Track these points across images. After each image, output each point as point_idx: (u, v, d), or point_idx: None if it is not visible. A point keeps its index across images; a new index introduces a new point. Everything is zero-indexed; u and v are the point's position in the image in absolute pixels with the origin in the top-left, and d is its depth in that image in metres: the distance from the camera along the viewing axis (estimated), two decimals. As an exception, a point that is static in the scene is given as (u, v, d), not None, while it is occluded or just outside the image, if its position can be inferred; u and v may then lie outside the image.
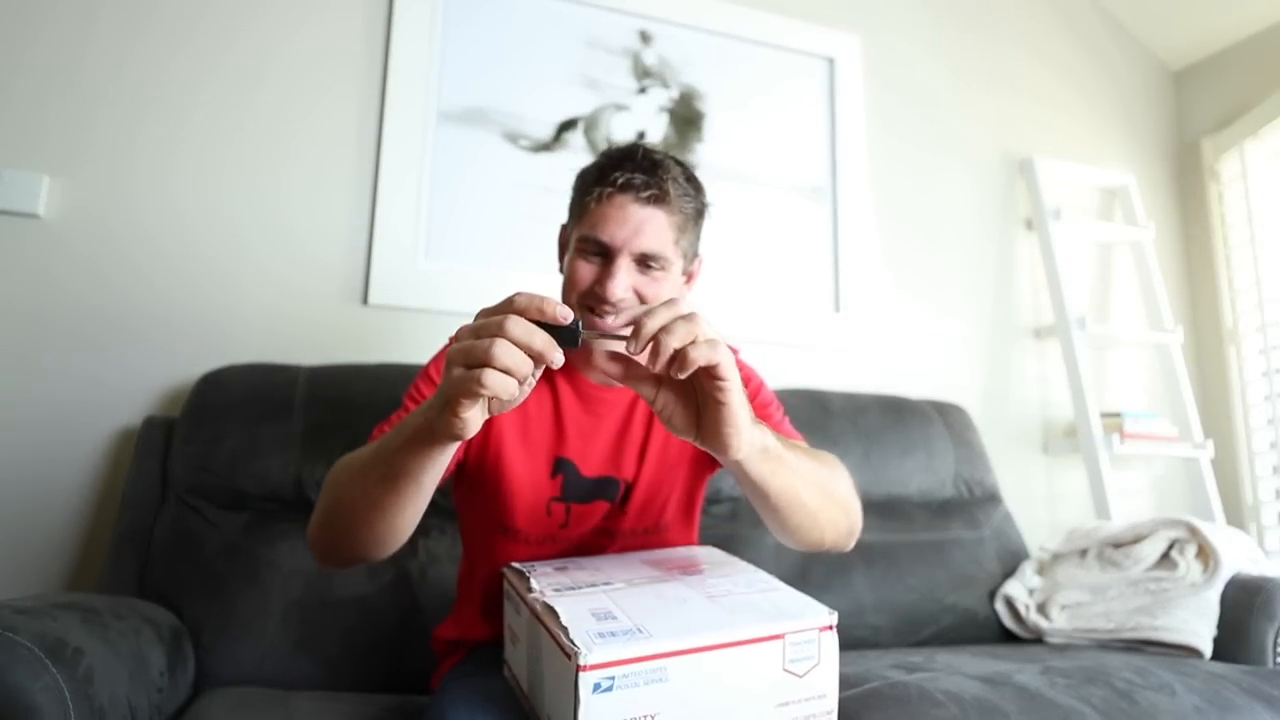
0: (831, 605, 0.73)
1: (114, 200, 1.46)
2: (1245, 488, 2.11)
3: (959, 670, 1.04)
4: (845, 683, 0.96)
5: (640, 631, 0.65)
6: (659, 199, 0.83)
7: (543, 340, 0.56)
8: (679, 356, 0.59)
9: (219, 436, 1.26)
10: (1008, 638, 1.49)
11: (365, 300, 1.56)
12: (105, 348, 1.42)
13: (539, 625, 0.70)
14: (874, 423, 1.63)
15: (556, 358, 0.57)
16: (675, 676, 0.64)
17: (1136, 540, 1.43)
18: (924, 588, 1.50)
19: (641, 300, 0.85)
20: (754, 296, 1.84)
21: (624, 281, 0.83)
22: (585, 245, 0.85)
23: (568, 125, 1.75)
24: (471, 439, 0.88)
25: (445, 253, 1.63)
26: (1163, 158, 2.38)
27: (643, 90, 1.83)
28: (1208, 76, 2.34)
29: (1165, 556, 1.40)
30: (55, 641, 0.79)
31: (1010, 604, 1.49)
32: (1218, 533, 1.39)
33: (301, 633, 1.17)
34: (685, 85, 1.87)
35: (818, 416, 1.60)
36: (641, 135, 1.81)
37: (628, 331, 0.60)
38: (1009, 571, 1.57)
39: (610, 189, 0.83)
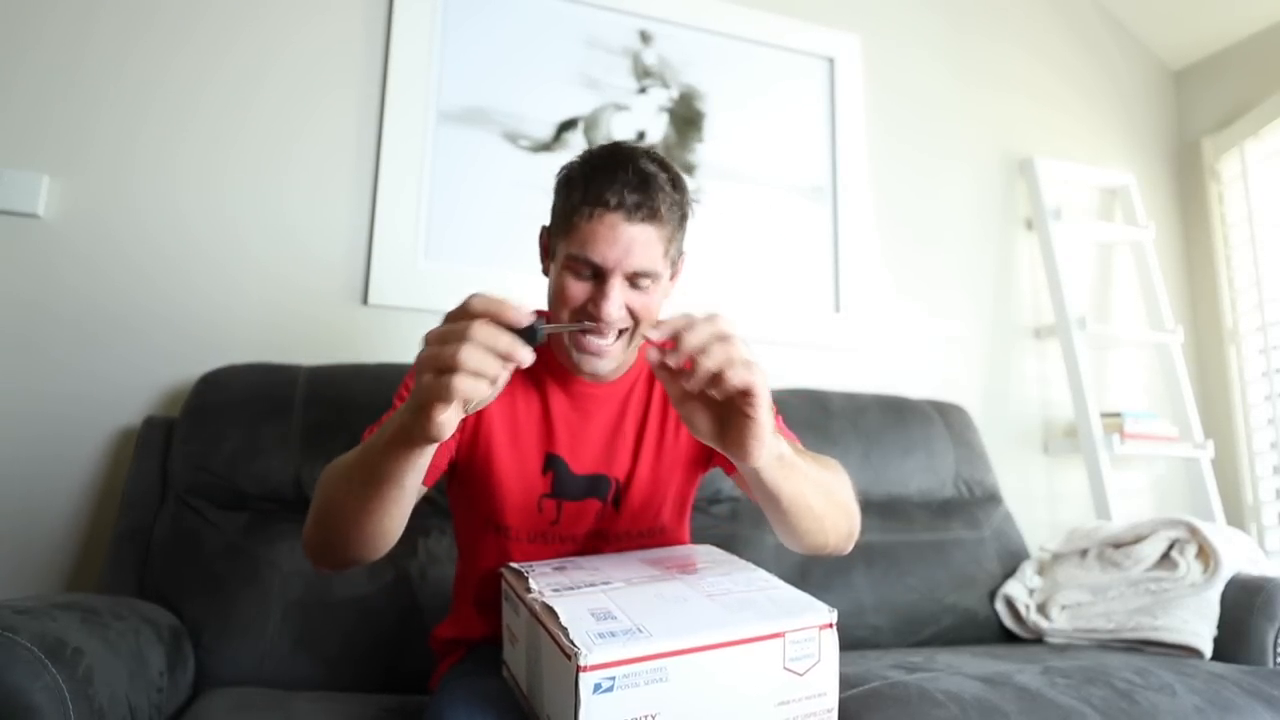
0: (832, 605, 0.73)
1: (114, 200, 1.46)
2: (1245, 488, 2.11)
3: (959, 670, 1.04)
4: (846, 683, 0.96)
5: (640, 631, 0.65)
6: (650, 216, 0.81)
7: (507, 342, 0.58)
8: (716, 379, 0.61)
9: (219, 436, 1.26)
10: (1008, 638, 1.49)
11: (365, 300, 1.56)
12: (105, 347, 1.42)
13: (538, 625, 0.70)
14: (874, 423, 1.63)
15: (524, 356, 0.59)
16: (675, 676, 0.64)
17: (1137, 540, 1.43)
18: (924, 588, 1.50)
19: (632, 314, 0.84)
20: (754, 296, 1.84)
21: (618, 301, 0.82)
22: (576, 264, 0.83)
23: (568, 125, 1.75)
24: (462, 437, 0.91)
25: (445, 253, 1.62)
26: (1163, 158, 2.38)
27: (643, 90, 1.83)
28: (1208, 76, 2.34)
29: (1165, 557, 1.39)
30: (55, 641, 0.79)
31: (1010, 604, 1.49)
32: (1218, 533, 1.39)
33: (301, 633, 1.17)
34: (685, 85, 1.87)
35: (818, 416, 1.60)
36: (641, 135, 1.81)
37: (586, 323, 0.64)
38: (1009, 572, 1.57)
39: (601, 208, 0.80)
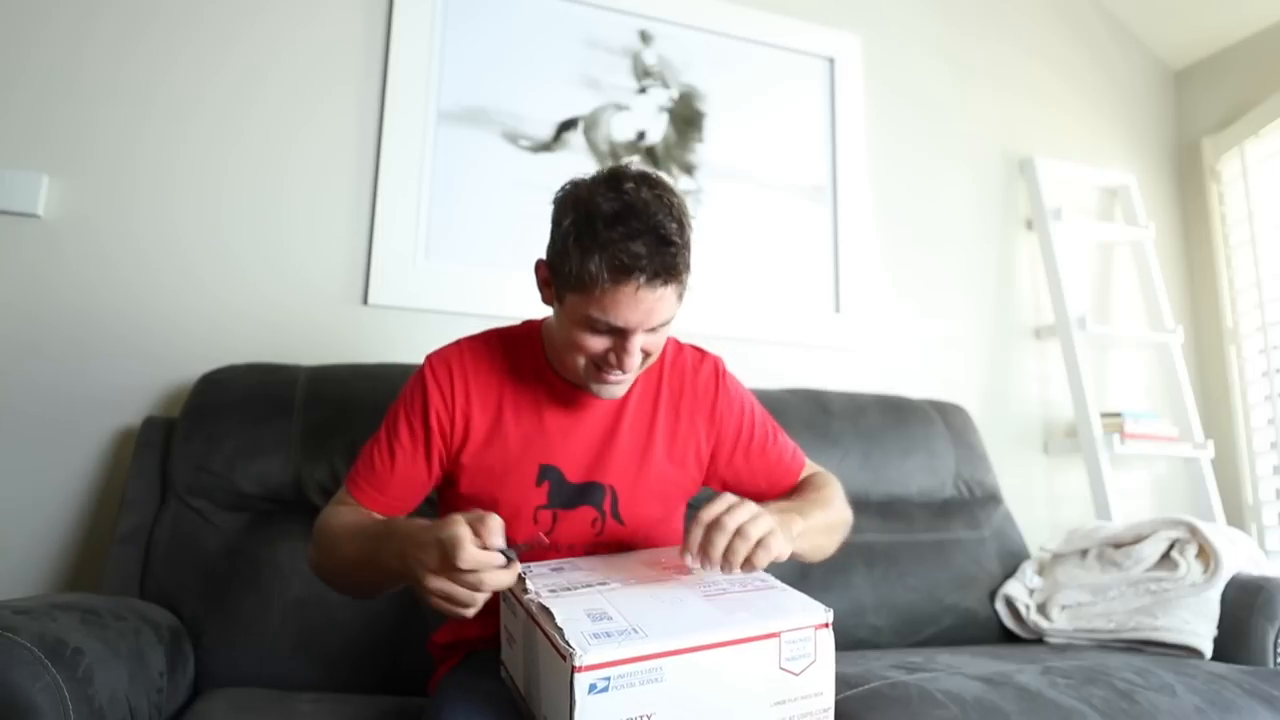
0: (832, 606, 0.73)
1: (114, 200, 1.46)
2: (1246, 488, 2.11)
3: (959, 670, 1.04)
4: (846, 683, 0.96)
5: (636, 631, 0.65)
6: (671, 279, 0.80)
7: (507, 579, 0.71)
8: (745, 564, 0.75)
9: (219, 436, 1.26)
10: (1008, 638, 1.49)
11: (365, 300, 1.56)
12: (105, 347, 1.41)
13: (534, 626, 0.70)
14: (874, 423, 1.63)
15: (506, 580, 0.72)
16: (671, 676, 0.64)
17: (1137, 540, 1.43)
18: (924, 588, 1.49)
19: (645, 351, 0.86)
20: (754, 296, 1.84)
21: (638, 355, 0.84)
22: (596, 324, 0.82)
23: (568, 125, 1.75)
24: (452, 451, 0.94)
25: (445, 253, 1.62)
26: (1163, 158, 2.38)
27: (643, 90, 1.83)
28: (1208, 76, 2.34)
29: (1166, 557, 1.39)
30: (55, 642, 0.79)
31: (1011, 604, 1.49)
32: (1218, 533, 1.39)
33: (301, 633, 1.17)
34: (685, 85, 1.87)
35: (818, 416, 1.60)
36: (641, 135, 1.81)
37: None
38: (1009, 572, 1.57)
39: (623, 280, 0.78)
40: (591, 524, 0.94)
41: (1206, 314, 2.27)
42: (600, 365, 0.85)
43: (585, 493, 0.94)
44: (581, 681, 0.61)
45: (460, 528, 0.69)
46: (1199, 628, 1.28)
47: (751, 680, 0.68)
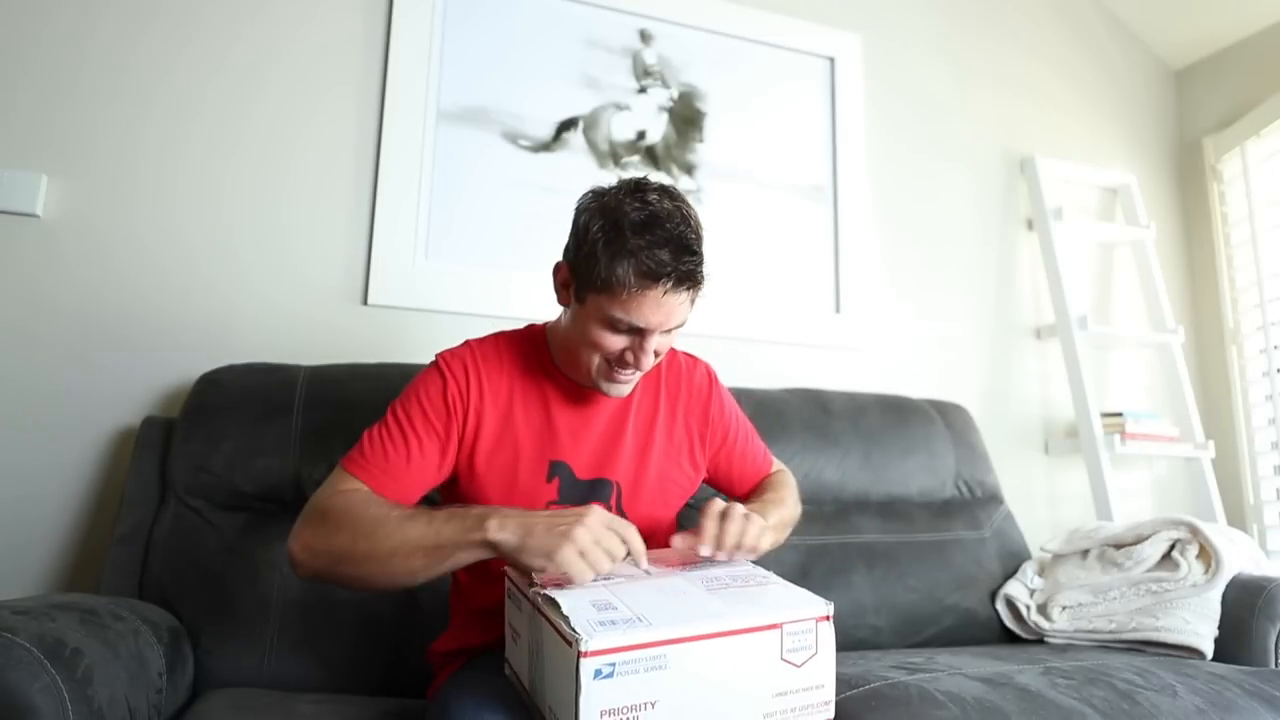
0: (833, 606, 0.74)
1: (114, 200, 1.46)
2: (1246, 488, 2.11)
3: (960, 671, 1.04)
4: (846, 683, 0.96)
5: (641, 620, 0.66)
6: (692, 285, 0.87)
7: (639, 545, 0.80)
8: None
9: (218, 436, 1.26)
10: (1009, 638, 1.49)
11: (365, 300, 1.56)
12: (105, 347, 1.41)
13: (540, 617, 0.71)
14: (875, 423, 1.63)
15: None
16: (675, 664, 0.65)
17: (1138, 541, 1.42)
18: (925, 588, 1.49)
19: (655, 352, 0.91)
20: (754, 296, 1.84)
21: (653, 352, 0.90)
22: (617, 324, 0.87)
23: (568, 125, 1.75)
24: (465, 447, 0.93)
25: (445, 253, 1.62)
26: (1164, 157, 2.37)
27: (643, 90, 1.83)
28: (1209, 75, 2.33)
29: (1166, 557, 1.39)
30: (54, 642, 0.79)
31: (1011, 604, 1.49)
32: (1219, 533, 1.39)
33: (301, 634, 1.17)
34: (685, 85, 1.87)
35: (818, 416, 1.60)
36: (641, 135, 1.81)
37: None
38: (1010, 572, 1.57)
39: (649, 285, 0.84)
40: None
41: (1207, 314, 2.27)
42: (614, 364, 0.90)
43: (594, 489, 0.97)
44: (587, 667, 0.62)
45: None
46: (1200, 628, 1.27)
47: (753, 671, 0.69)
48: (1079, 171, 2.19)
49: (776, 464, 1.18)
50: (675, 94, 1.85)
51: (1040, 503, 2.01)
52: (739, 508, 0.85)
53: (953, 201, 2.09)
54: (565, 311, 0.96)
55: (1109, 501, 1.84)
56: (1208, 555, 1.35)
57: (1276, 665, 1.25)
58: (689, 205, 0.89)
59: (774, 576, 0.81)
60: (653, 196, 0.86)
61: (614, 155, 1.78)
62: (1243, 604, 1.29)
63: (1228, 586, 1.32)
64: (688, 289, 0.86)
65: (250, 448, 1.25)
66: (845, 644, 1.38)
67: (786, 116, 1.95)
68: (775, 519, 0.99)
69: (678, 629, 0.66)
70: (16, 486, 1.34)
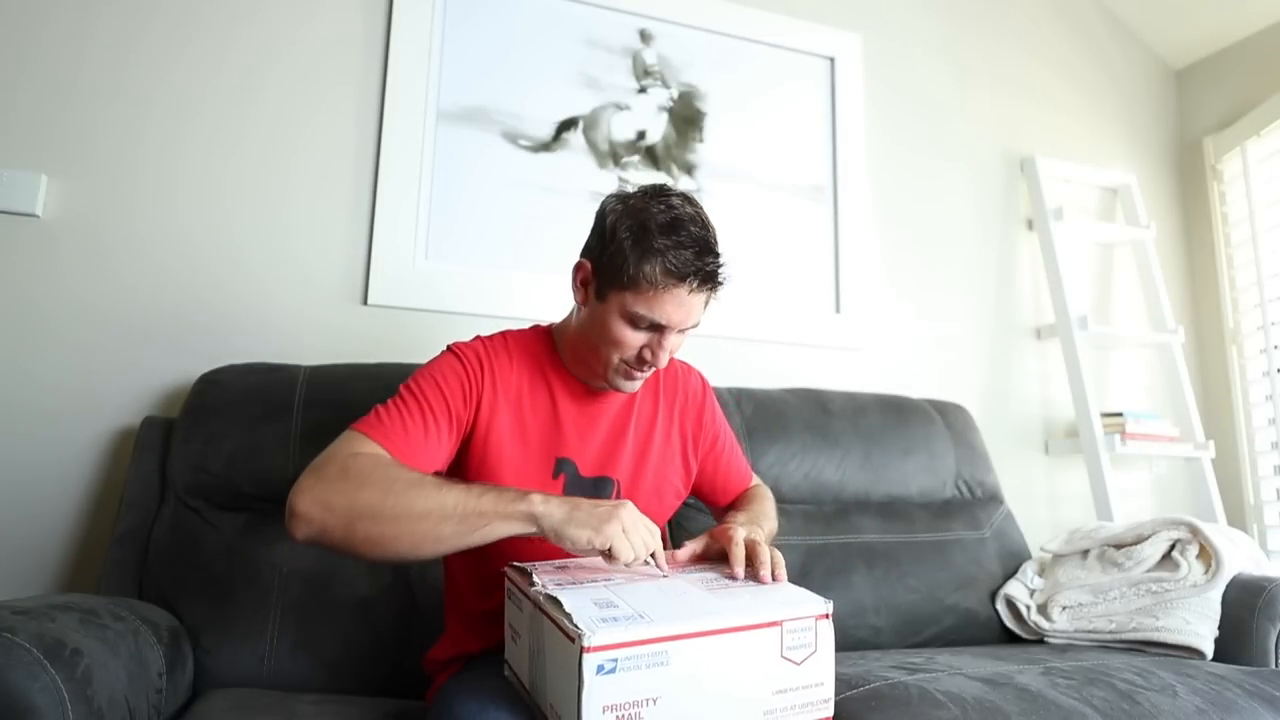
0: (833, 604, 0.74)
1: (113, 200, 1.46)
2: (1247, 488, 2.11)
3: (960, 671, 1.04)
4: (846, 683, 0.96)
5: (642, 617, 0.66)
6: (712, 287, 0.91)
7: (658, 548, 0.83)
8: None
9: (218, 437, 1.25)
10: (1009, 638, 1.49)
11: (365, 300, 1.56)
12: (104, 347, 1.41)
13: (542, 616, 0.71)
14: (875, 423, 1.63)
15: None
16: (676, 660, 0.66)
17: (1138, 541, 1.42)
18: (925, 588, 1.49)
19: (668, 352, 0.94)
20: (754, 296, 1.84)
21: (669, 350, 0.93)
22: (639, 321, 0.90)
23: (568, 125, 1.75)
24: (473, 436, 0.94)
25: (445, 253, 1.62)
26: (1164, 157, 2.37)
27: (643, 90, 1.83)
28: (1210, 75, 2.33)
29: (1167, 557, 1.39)
30: (54, 642, 0.78)
31: (1011, 605, 1.49)
32: (1219, 533, 1.39)
33: (300, 634, 1.16)
34: (685, 84, 1.87)
35: (818, 416, 1.60)
36: (641, 135, 1.81)
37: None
38: (1010, 572, 1.57)
39: (675, 284, 0.88)
40: None
41: (1207, 314, 2.27)
42: (630, 361, 0.93)
43: (598, 486, 0.99)
44: (590, 662, 0.62)
45: None
46: (1200, 628, 1.27)
47: (754, 668, 0.69)
48: (1079, 171, 2.19)
49: (755, 479, 1.21)
50: (675, 94, 1.85)
51: (1040, 503, 2.01)
52: (759, 536, 0.87)
53: (953, 201, 2.09)
54: (578, 310, 0.98)
55: (1109, 501, 1.84)
56: (1208, 555, 1.35)
57: (1277, 665, 1.25)
58: (704, 212, 0.94)
59: None
60: (675, 200, 0.91)
61: (614, 155, 1.78)
62: (1243, 604, 1.29)
63: (1228, 586, 1.32)
64: (709, 289, 0.90)
65: (250, 448, 1.25)
66: (845, 644, 1.38)
67: (786, 116, 1.95)
68: (767, 531, 1.03)
69: (679, 625, 0.66)
70: (16, 486, 1.34)
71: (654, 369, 0.95)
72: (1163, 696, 0.97)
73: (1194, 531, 1.38)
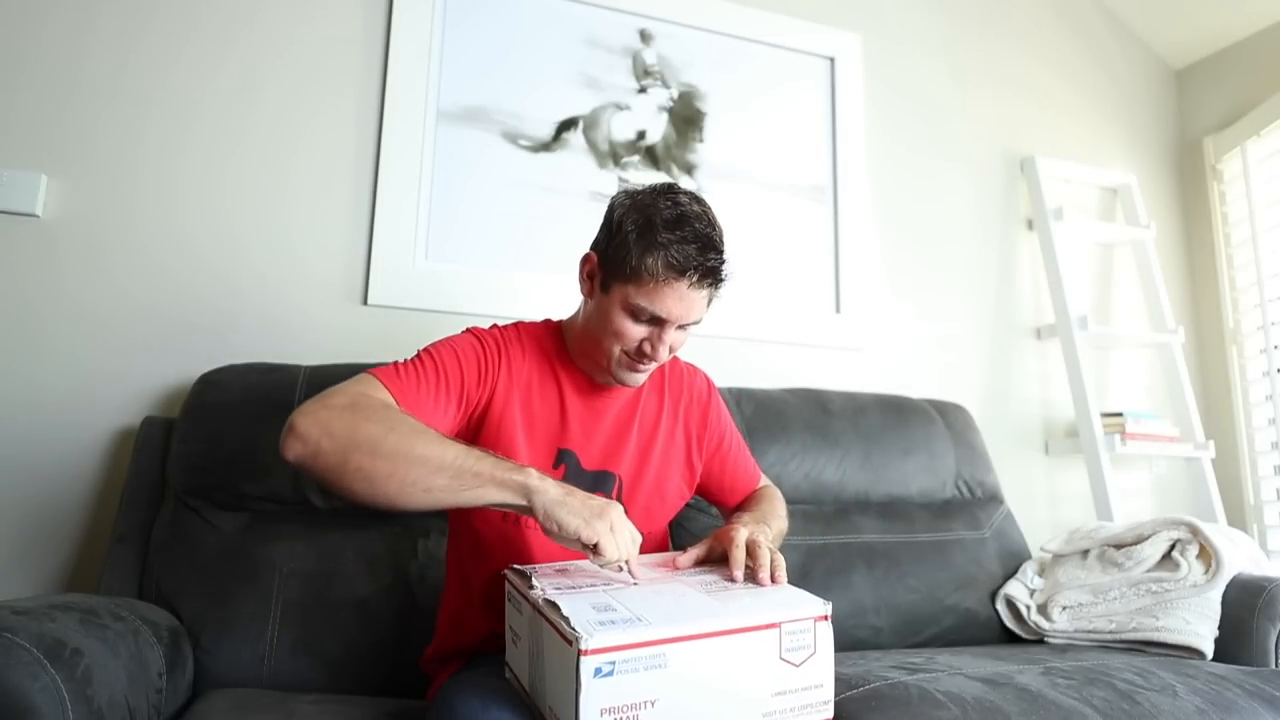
0: (832, 606, 0.74)
1: (113, 200, 1.46)
2: (1247, 488, 2.11)
3: (960, 671, 1.04)
4: (846, 683, 0.96)
5: (640, 620, 0.67)
6: (714, 283, 0.92)
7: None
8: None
9: (218, 437, 1.25)
10: (1009, 638, 1.49)
11: (365, 300, 1.56)
12: (104, 348, 1.41)
13: (541, 619, 0.71)
14: (875, 423, 1.63)
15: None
16: (674, 663, 0.66)
17: (1138, 541, 1.42)
18: (925, 588, 1.49)
19: (670, 347, 0.94)
20: (755, 296, 1.84)
21: (669, 345, 0.94)
22: (640, 313, 0.91)
23: (568, 125, 1.75)
24: (476, 414, 0.95)
25: (445, 253, 1.62)
26: (1164, 157, 2.37)
27: (643, 90, 1.83)
28: (1210, 75, 2.33)
29: (1167, 557, 1.39)
30: (54, 642, 0.78)
31: (1011, 605, 1.49)
32: (1219, 533, 1.39)
33: (300, 634, 1.16)
34: (685, 84, 1.87)
35: (818, 416, 1.59)
36: (641, 135, 1.81)
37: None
38: (1010, 572, 1.57)
39: (676, 278, 0.89)
40: None
41: (1207, 314, 2.27)
42: (631, 354, 0.94)
43: (599, 481, 0.99)
44: (587, 665, 0.62)
45: None
46: (1200, 628, 1.27)
47: (752, 670, 0.69)
48: (1079, 171, 2.19)
49: (764, 479, 1.21)
50: (675, 94, 1.85)
51: (1040, 503, 2.01)
52: (761, 538, 0.87)
53: (953, 201, 2.09)
54: (585, 304, 0.99)
55: (1109, 501, 1.84)
56: (1208, 555, 1.35)
57: (1277, 665, 1.25)
58: (712, 212, 0.95)
59: None
60: (683, 199, 0.92)
61: (614, 155, 1.78)
62: (1243, 604, 1.29)
63: (1228, 586, 1.32)
64: (709, 285, 0.91)
65: (250, 448, 1.25)
66: (845, 644, 1.38)
67: (786, 116, 1.95)
68: (775, 530, 1.03)
69: (676, 628, 0.66)
70: (17, 486, 1.34)
71: (655, 363, 0.95)
72: (1163, 696, 0.97)
73: (1194, 531, 1.38)
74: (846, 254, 1.92)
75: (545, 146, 1.73)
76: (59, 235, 1.42)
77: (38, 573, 1.34)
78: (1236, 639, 1.27)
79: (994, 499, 1.70)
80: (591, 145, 1.76)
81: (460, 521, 1.01)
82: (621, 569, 0.80)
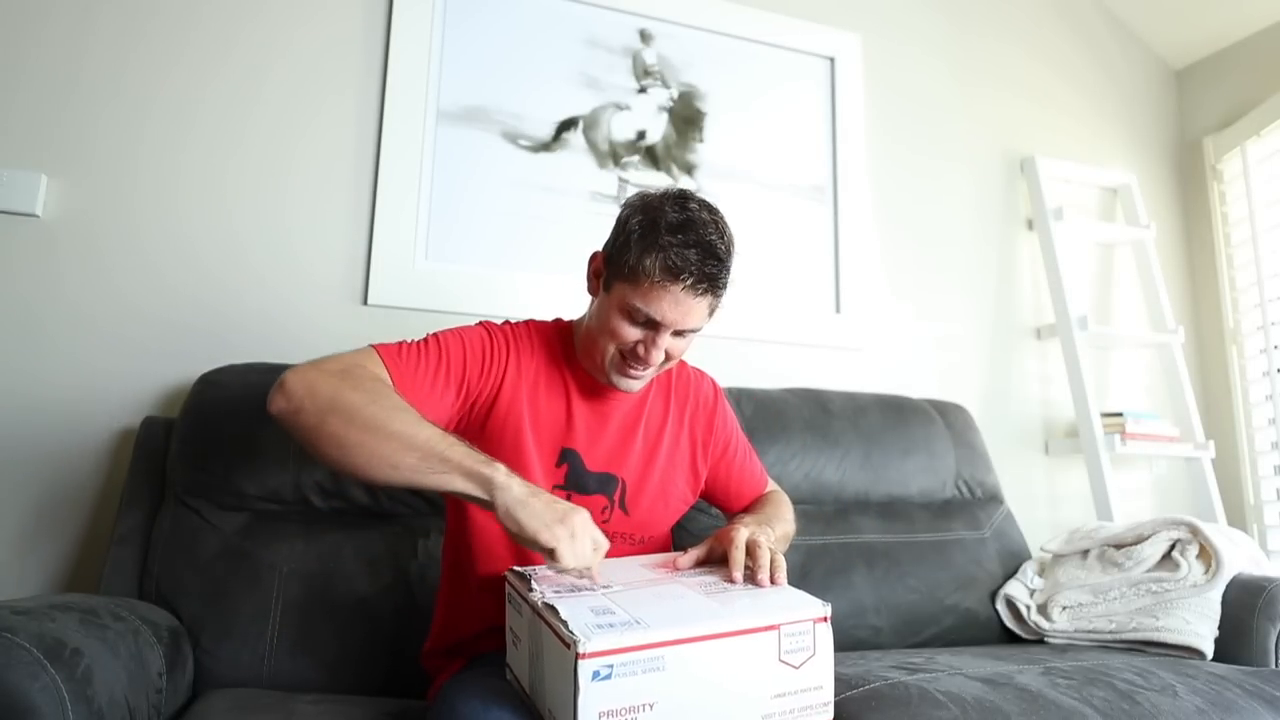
0: (832, 606, 0.74)
1: (113, 200, 1.46)
2: (1247, 488, 2.11)
3: (960, 671, 1.04)
4: (846, 683, 0.96)
5: (638, 623, 0.66)
6: (710, 291, 0.91)
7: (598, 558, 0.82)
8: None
9: (218, 437, 1.25)
10: (1009, 638, 1.49)
11: (365, 300, 1.56)
12: (104, 348, 1.41)
13: (540, 622, 0.71)
14: (875, 423, 1.63)
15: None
16: (672, 665, 0.65)
17: (1138, 541, 1.42)
18: (925, 588, 1.49)
19: (668, 353, 0.94)
20: (755, 296, 1.84)
21: (663, 351, 0.93)
22: (635, 314, 0.91)
23: (568, 125, 1.75)
24: (478, 406, 0.95)
25: (445, 253, 1.62)
26: (1164, 157, 2.37)
27: (643, 90, 1.83)
28: (1210, 75, 2.33)
29: (1167, 557, 1.39)
30: (54, 642, 0.78)
31: (1011, 604, 1.49)
32: (1219, 533, 1.39)
33: (300, 634, 1.16)
34: (685, 84, 1.87)
35: (818, 416, 1.59)
36: (641, 135, 1.81)
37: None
38: (1010, 572, 1.57)
39: (670, 280, 0.88)
40: (601, 511, 1.00)
41: (1207, 314, 2.27)
42: (626, 356, 0.94)
43: (601, 482, 1.00)
44: (585, 669, 0.62)
45: None
46: (1200, 628, 1.27)
47: (751, 672, 0.69)
48: (1079, 171, 2.19)
49: (772, 484, 1.21)
50: (675, 94, 1.85)
51: (1040, 503, 2.01)
52: (761, 538, 0.86)
53: (953, 201, 2.09)
54: (591, 304, 1.00)
55: (1109, 501, 1.84)
56: (1208, 555, 1.35)
57: (1277, 665, 1.25)
58: (726, 223, 0.94)
59: None
60: (693, 205, 0.92)
61: (614, 155, 1.78)
62: (1243, 604, 1.29)
63: (1228, 586, 1.32)
64: (707, 292, 0.90)
65: (250, 448, 1.25)
66: (845, 644, 1.38)
67: (786, 116, 1.95)
68: (780, 532, 1.02)
69: (675, 630, 0.66)
70: (17, 486, 1.34)
71: (648, 368, 0.95)
72: (1163, 696, 0.97)
73: (1194, 531, 1.38)
74: (846, 254, 1.92)
75: (545, 146, 1.73)
76: (59, 235, 1.42)
77: (38, 573, 1.34)
78: (1236, 639, 1.27)
79: (994, 499, 1.70)
80: (591, 145, 1.76)
81: (457, 511, 1.01)
82: (581, 575, 0.79)
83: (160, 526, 1.23)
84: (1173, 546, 1.39)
